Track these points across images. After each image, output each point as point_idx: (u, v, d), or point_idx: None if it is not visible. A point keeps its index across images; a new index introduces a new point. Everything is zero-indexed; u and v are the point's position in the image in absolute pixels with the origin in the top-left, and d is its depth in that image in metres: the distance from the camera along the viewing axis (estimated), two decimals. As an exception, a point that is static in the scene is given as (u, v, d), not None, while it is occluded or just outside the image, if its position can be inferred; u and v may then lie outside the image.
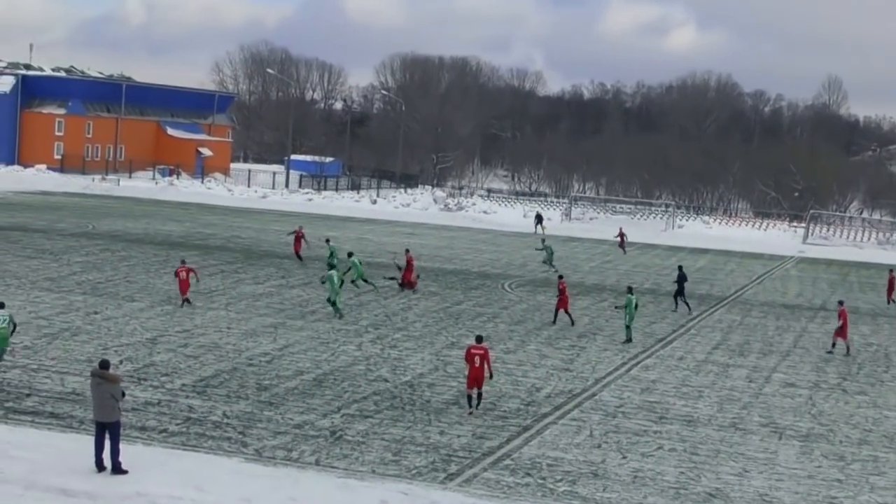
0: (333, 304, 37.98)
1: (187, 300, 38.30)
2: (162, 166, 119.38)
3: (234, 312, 37.83)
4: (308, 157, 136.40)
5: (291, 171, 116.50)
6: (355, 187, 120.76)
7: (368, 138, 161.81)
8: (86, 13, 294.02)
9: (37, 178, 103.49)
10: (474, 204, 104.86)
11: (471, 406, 26.03)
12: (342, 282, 38.69)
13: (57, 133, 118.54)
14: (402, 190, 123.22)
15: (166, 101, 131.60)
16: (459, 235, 76.95)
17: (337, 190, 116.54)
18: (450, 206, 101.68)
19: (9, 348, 28.33)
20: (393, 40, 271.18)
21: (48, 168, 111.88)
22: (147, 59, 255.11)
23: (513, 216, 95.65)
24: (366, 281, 44.79)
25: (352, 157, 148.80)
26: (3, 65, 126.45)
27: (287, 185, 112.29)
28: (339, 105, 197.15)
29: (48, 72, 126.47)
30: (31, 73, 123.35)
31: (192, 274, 38.92)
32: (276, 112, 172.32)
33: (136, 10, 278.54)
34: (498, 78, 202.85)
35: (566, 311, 40.07)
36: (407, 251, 48.75)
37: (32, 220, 64.87)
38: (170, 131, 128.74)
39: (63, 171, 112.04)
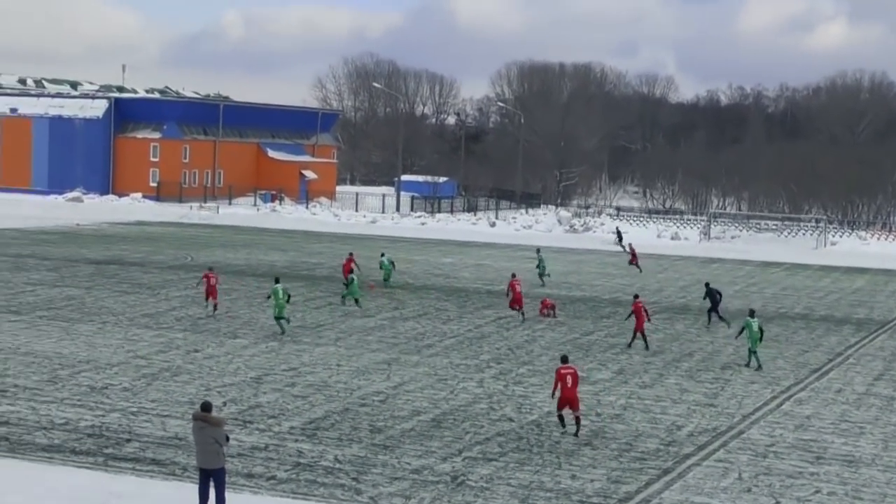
0: (278, 319, 40.43)
1: (216, 306, 44.19)
2: (263, 191, 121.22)
3: (343, 348, 38.18)
4: (420, 178, 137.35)
5: (402, 193, 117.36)
6: (472, 209, 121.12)
7: (485, 155, 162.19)
8: (180, 30, 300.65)
9: (132, 208, 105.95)
10: (602, 224, 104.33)
11: (563, 426, 27.55)
12: (288, 297, 41.10)
13: (152, 159, 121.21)
14: (523, 210, 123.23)
15: (266, 121, 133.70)
16: (587, 259, 76.59)
17: (452, 212, 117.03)
18: (575, 227, 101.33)
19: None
20: (509, 48, 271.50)
21: (143, 196, 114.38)
22: (245, 77, 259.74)
23: (646, 236, 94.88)
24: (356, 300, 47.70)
25: (467, 175, 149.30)
26: (95, 88, 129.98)
27: (398, 209, 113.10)
28: (451, 120, 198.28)
29: (141, 94, 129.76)
30: (123, 95, 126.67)
31: (217, 280, 45.26)
32: (384, 129, 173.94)
33: (233, 25, 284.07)
34: (625, 85, 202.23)
35: (641, 334, 40.59)
36: (513, 276, 48.75)
37: (128, 253, 66.42)
38: (271, 153, 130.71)
39: (159, 200, 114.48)
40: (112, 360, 34.33)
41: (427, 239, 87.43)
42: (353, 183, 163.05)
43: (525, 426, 28.41)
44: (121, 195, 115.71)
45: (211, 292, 44.86)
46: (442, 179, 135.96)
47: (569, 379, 27.46)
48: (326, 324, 43.28)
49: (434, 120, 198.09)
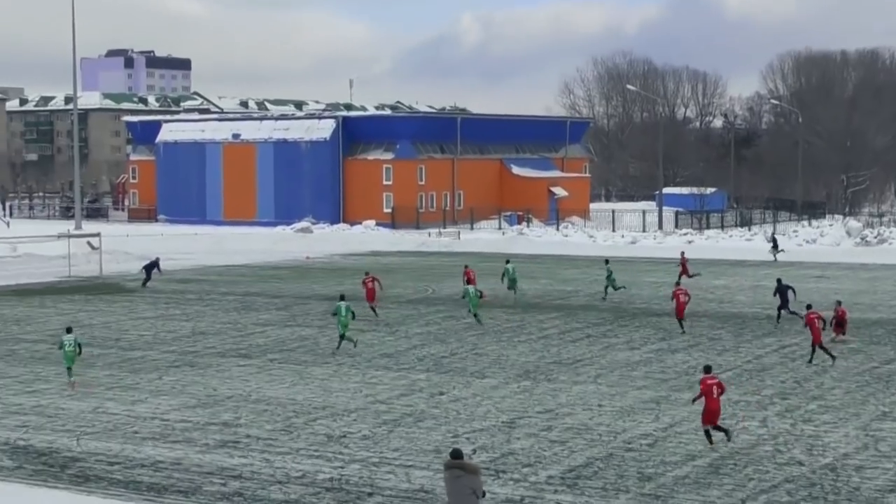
0: (342, 337, 45.17)
1: (373, 308, 52.48)
2: (508, 213, 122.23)
3: (605, 386, 38.03)
4: (684, 190, 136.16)
5: (664, 208, 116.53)
6: (745, 223, 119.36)
7: (758, 160, 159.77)
8: (411, 39, 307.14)
9: (365, 237, 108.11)
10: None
11: (710, 441, 29.28)
12: (353, 314, 45.89)
13: (385, 182, 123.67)
14: (805, 222, 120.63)
15: (509, 133, 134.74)
16: (882, 276, 74.38)
17: (722, 227, 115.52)
18: (868, 239, 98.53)
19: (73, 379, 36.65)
20: (782, 37, 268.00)
21: (377, 224, 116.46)
22: (482, 86, 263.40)
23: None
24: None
25: (738, 185, 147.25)
26: (321, 107, 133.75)
27: (660, 226, 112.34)
28: (718, 122, 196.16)
29: (371, 110, 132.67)
30: (352, 113, 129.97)
31: (376, 283, 53.70)
32: (641, 137, 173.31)
33: (469, 30, 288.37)
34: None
35: (821, 347, 41.63)
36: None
37: (362, 287, 67.69)
38: (515, 170, 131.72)
39: (394, 227, 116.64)
40: (350, 406, 35.05)
41: (695, 259, 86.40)
42: (608, 199, 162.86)
43: (817, 471, 27.71)
44: (352, 223, 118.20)
45: (370, 296, 53.84)
46: (710, 191, 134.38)
47: (715, 390, 29.28)
48: (584, 359, 43.23)
49: (698, 124, 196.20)
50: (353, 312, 45.99)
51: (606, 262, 65.07)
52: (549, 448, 29.96)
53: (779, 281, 53.46)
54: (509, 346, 45.99)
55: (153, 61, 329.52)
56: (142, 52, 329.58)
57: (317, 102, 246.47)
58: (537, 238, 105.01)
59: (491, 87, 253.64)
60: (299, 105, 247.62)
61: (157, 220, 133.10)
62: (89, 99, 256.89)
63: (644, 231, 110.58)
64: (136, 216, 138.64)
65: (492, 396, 36.50)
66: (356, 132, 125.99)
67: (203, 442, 30.73)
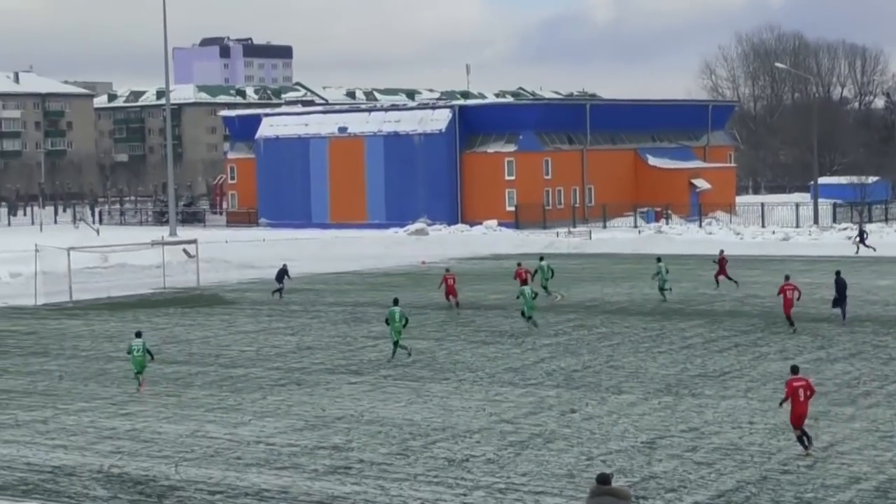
0: (396, 344, 46.87)
1: (457, 304, 59.49)
2: (645, 209, 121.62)
3: (756, 401, 37.70)
4: (843, 179, 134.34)
5: (820, 200, 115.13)
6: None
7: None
8: (532, 17, 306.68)
9: (486, 239, 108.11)
10: None
11: (805, 447, 30.64)
12: (406, 320, 47.47)
13: (507, 177, 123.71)
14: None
15: (644, 120, 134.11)
16: None
17: (886, 220, 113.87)
18: None
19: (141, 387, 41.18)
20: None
21: (499, 224, 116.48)
22: (614, 68, 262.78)
23: None
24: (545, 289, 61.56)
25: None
26: (435, 96, 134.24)
27: (816, 220, 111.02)
28: (879, 102, 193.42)
29: (490, 98, 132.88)
30: (469, 102, 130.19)
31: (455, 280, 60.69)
32: (792, 121, 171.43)
33: (597, 6, 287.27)
34: None
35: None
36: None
37: (484, 294, 67.93)
38: (651, 161, 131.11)
39: (518, 227, 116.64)
40: (472, 427, 35.10)
41: (856, 258, 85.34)
42: (756, 191, 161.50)
43: None
44: (472, 224, 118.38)
45: (450, 292, 60.29)
46: (871, 180, 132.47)
47: (801, 392, 30.69)
48: (732, 370, 42.90)
49: (857, 104, 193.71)
50: (406, 318, 47.47)
51: (658, 260, 65.51)
52: (695, 471, 29.78)
53: (837, 273, 53.91)
54: (648, 358, 45.77)
55: (251, 50, 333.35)
56: (239, 40, 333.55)
57: (430, 91, 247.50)
58: (677, 236, 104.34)
59: (623, 69, 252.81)
60: (411, 94, 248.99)
61: (257, 224, 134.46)
62: (183, 93, 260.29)
63: (797, 226, 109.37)
64: (234, 220, 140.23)
65: (629, 414, 36.35)
66: (474, 123, 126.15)
67: (312, 468, 30.97)
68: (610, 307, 61.16)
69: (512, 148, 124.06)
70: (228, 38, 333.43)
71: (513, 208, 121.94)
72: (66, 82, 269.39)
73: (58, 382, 44.41)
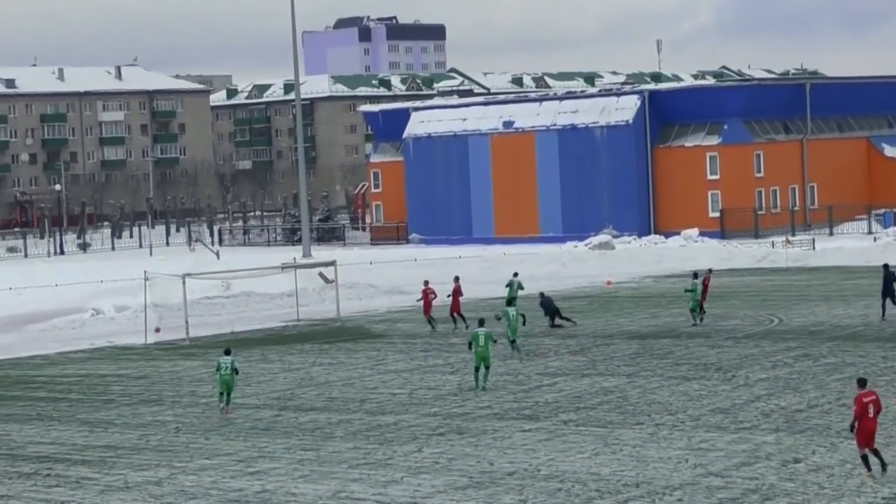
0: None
1: (431, 321, 67.05)
2: (881, 210, 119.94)
3: None
4: None
5: None
6: None
7: None
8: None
9: (686, 252, 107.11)
10: None
11: (869, 469, 32.07)
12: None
13: (709, 176, 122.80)
14: None
15: (879, 102, 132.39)
16: None
17: None
18: None
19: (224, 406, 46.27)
20: None
21: (700, 234, 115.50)
22: (840, 40, 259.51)
23: None
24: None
25: None
26: (620, 80, 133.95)
27: None
28: None
29: (687, 81, 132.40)
30: (661, 86, 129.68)
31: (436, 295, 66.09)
32: None
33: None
34: None
35: None
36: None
37: (685, 319, 67.39)
38: (888, 151, 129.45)
39: (724, 236, 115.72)
40: (673, 481, 34.94)
41: None
42: None
43: None
44: (667, 234, 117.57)
45: (428, 307, 67.83)
46: None
47: (871, 408, 32.11)
48: None
49: None
50: (494, 340, 50.56)
51: (695, 276, 66.63)
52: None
53: (885, 267, 56.59)
54: (889, 394, 45.06)
55: (396, 31, 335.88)
56: (381, 20, 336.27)
57: (614, 74, 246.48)
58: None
59: (851, 40, 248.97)
60: (590, 79, 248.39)
61: (407, 241, 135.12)
62: (315, 85, 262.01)
63: None
64: (380, 236, 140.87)
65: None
66: (668, 111, 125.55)
67: (478, 534, 31.07)
68: (840, 332, 60.39)
69: (715, 140, 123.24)
70: (369, 17, 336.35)
71: (717, 214, 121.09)
72: (176, 77, 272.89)
73: (174, 436, 44.99)
